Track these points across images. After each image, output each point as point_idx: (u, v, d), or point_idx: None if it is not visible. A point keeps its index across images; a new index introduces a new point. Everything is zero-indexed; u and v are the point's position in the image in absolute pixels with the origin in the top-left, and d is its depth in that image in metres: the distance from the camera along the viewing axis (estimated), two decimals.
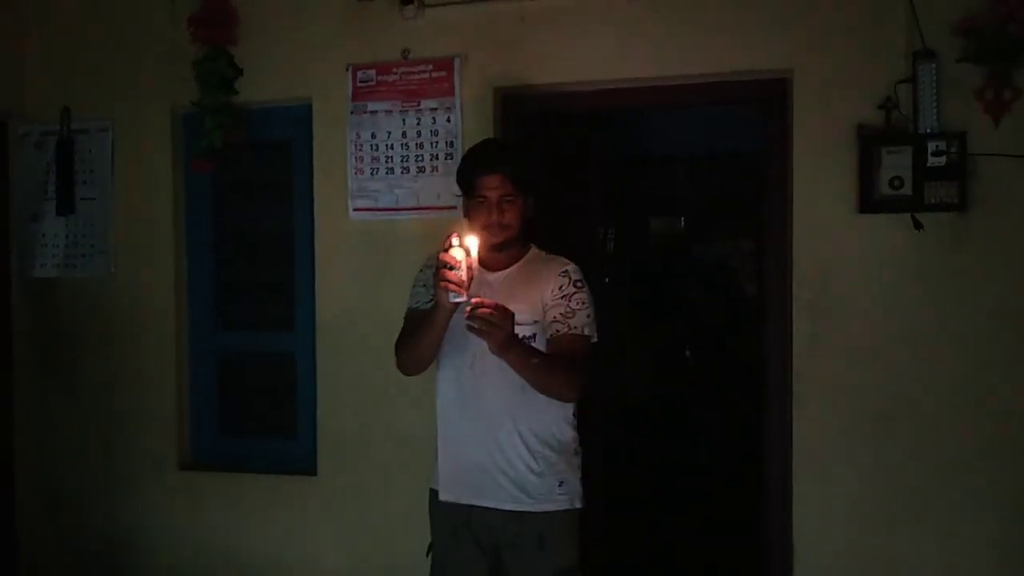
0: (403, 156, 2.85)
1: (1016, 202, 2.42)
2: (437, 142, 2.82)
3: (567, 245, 2.24)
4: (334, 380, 2.93)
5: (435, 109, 2.81)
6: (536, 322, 2.02)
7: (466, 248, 1.85)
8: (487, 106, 2.79)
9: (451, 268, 1.83)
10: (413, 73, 2.83)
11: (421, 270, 2.17)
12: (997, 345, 2.45)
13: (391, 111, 2.85)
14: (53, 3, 3.20)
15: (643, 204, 5.64)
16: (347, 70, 2.89)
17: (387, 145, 2.86)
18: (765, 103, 2.72)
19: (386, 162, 2.87)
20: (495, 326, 1.78)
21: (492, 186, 2.04)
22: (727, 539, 3.78)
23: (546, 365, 1.96)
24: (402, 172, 2.85)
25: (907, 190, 2.43)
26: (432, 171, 2.82)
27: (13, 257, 3.23)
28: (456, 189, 2.19)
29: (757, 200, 3.49)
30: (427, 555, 2.22)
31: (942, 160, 2.40)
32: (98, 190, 3.15)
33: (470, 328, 1.80)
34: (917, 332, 2.49)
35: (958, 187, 2.40)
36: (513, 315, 1.82)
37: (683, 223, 5.80)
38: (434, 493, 2.18)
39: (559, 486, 2.06)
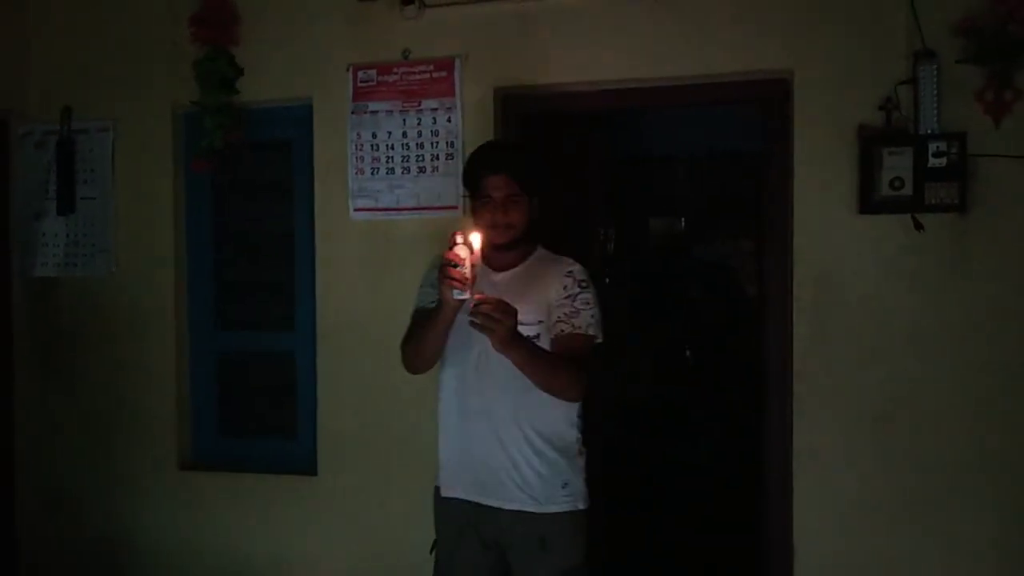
0: (404, 156, 2.85)
1: (1017, 203, 2.42)
2: (438, 142, 2.82)
3: (567, 245, 2.23)
4: (334, 380, 2.94)
5: (436, 109, 2.82)
6: (541, 322, 2.02)
7: (469, 244, 1.85)
8: (487, 106, 2.79)
9: (455, 266, 1.83)
10: (414, 73, 2.83)
11: (429, 270, 2.17)
12: (997, 345, 2.45)
13: (392, 111, 2.86)
14: (54, 3, 3.20)
15: (643, 204, 5.64)
16: (348, 70, 2.89)
17: (388, 145, 2.87)
18: (765, 103, 2.72)
19: (387, 162, 2.87)
20: (497, 322, 1.79)
21: (497, 186, 2.05)
22: (727, 539, 3.78)
23: (549, 363, 1.96)
24: (403, 172, 2.85)
25: (907, 191, 2.43)
26: (433, 171, 2.82)
27: (14, 256, 3.23)
28: (463, 189, 2.20)
29: (757, 200, 3.50)
30: (431, 552, 2.22)
31: (943, 161, 2.41)
32: (99, 190, 3.15)
33: (472, 324, 1.81)
34: (917, 332, 2.50)
35: (958, 188, 2.41)
36: (515, 311, 1.82)
37: (683, 223, 5.80)
38: (438, 490, 2.19)
39: (563, 487, 2.06)
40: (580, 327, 2.01)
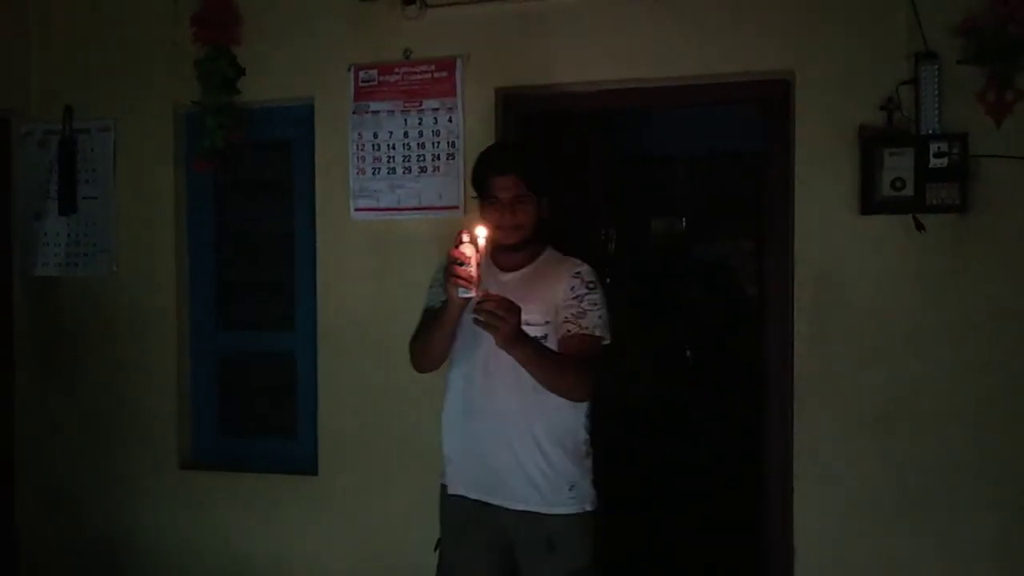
0: (405, 156, 2.85)
1: (1018, 203, 2.43)
2: (439, 142, 2.82)
3: (568, 245, 2.24)
4: (335, 380, 2.94)
5: (437, 109, 2.82)
6: (548, 322, 2.02)
7: (475, 242, 1.85)
8: (489, 106, 2.79)
9: (461, 264, 1.83)
10: (415, 73, 2.83)
11: (438, 270, 2.18)
12: (997, 345, 2.45)
13: (393, 111, 2.86)
14: (55, 2, 3.20)
15: (643, 204, 5.64)
16: (349, 70, 2.89)
17: (389, 145, 2.87)
18: (766, 104, 2.72)
19: (388, 162, 2.87)
20: (500, 319, 1.78)
21: (505, 187, 2.05)
22: (727, 539, 3.78)
23: (555, 363, 1.96)
24: (404, 172, 2.85)
25: (908, 191, 2.43)
26: (434, 171, 2.82)
27: (15, 256, 3.24)
28: (471, 190, 2.19)
29: (757, 200, 3.49)
30: (435, 550, 2.22)
31: (944, 161, 2.41)
32: (100, 189, 3.15)
33: (476, 321, 1.81)
34: (918, 333, 2.50)
35: (959, 188, 2.41)
36: (519, 309, 1.82)
37: (683, 223, 5.80)
38: (444, 487, 2.19)
39: (569, 490, 2.06)
40: (587, 328, 2.01)
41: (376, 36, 2.86)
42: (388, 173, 2.86)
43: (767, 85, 2.65)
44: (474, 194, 2.16)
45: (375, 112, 2.87)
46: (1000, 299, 2.45)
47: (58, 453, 3.23)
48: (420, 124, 2.84)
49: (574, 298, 2.03)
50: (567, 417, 2.06)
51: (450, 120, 2.80)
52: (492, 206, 2.06)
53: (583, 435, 2.11)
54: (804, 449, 2.58)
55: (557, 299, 2.04)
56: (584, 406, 2.09)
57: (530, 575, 2.09)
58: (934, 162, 2.41)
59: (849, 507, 2.55)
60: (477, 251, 1.84)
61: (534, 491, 2.04)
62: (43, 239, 3.21)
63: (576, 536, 2.07)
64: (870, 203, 2.47)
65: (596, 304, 2.04)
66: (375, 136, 2.88)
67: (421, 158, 2.83)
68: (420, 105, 2.83)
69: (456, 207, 2.78)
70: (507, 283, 2.07)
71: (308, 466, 2.98)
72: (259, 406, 3.19)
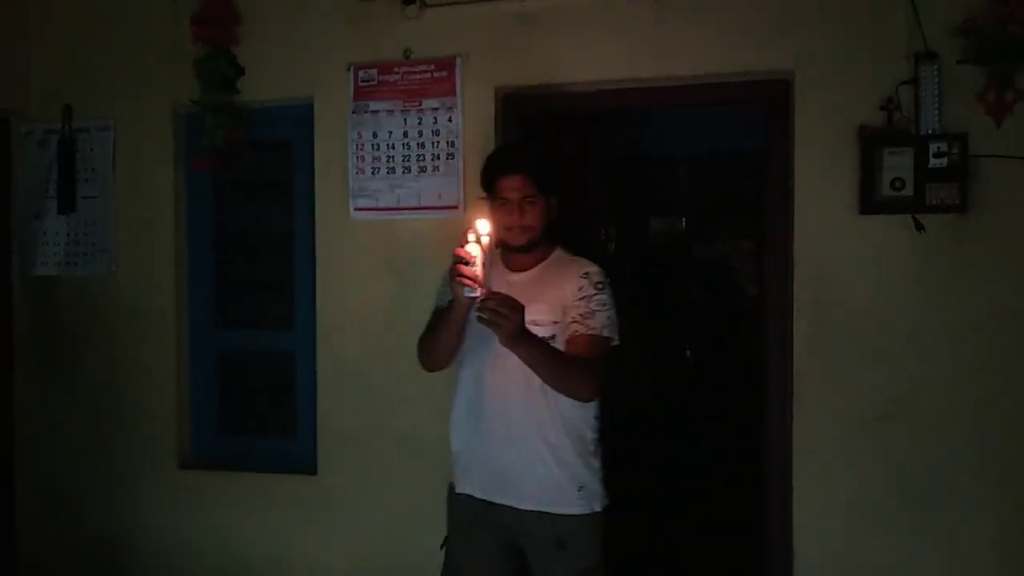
0: (404, 156, 2.85)
1: (1017, 203, 2.42)
2: (438, 142, 2.82)
3: (568, 246, 2.24)
4: (334, 379, 2.93)
5: (436, 109, 2.81)
6: (556, 323, 2.02)
7: (478, 236, 1.84)
8: (488, 106, 2.79)
9: (466, 264, 1.83)
10: (414, 73, 2.83)
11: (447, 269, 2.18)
12: (997, 345, 2.45)
13: (392, 111, 2.85)
14: (55, 2, 3.20)
15: (643, 204, 5.64)
16: (348, 70, 2.89)
17: (388, 145, 2.86)
18: (766, 103, 2.72)
19: (387, 162, 2.87)
20: (504, 317, 1.78)
21: (513, 187, 2.05)
22: (727, 539, 3.78)
23: (560, 362, 1.96)
24: (403, 172, 2.85)
25: (908, 191, 2.43)
26: (433, 171, 2.82)
27: (14, 255, 3.24)
28: (480, 191, 2.19)
29: (757, 200, 3.49)
30: (441, 548, 2.22)
31: (943, 161, 2.40)
32: (99, 188, 3.15)
33: (479, 319, 1.81)
34: (917, 332, 2.50)
35: (959, 188, 2.41)
36: (522, 307, 1.82)
37: (683, 223, 5.80)
38: (452, 485, 2.19)
39: (579, 491, 2.06)
40: (595, 328, 2.01)
41: (376, 36, 2.86)
42: (388, 173, 2.86)
43: (767, 85, 2.64)
44: (483, 195, 2.16)
45: (375, 112, 2.87)
46: (1000, 299, 2.45)
47: (58, 453, 3.23)
48: (420, 124, 2.83)
49: (582, 298, 2.03)
50: (576, 417, 2.06)
51: (450, 120, 2.80)
52: (501, 207, 2.06)
53: (592, 435, 2.10)
54: (804, 449, 2.58)
55: (565, 299, 2.04)
56: (593, 406, 2.08)
57: (541, 575, 2.09)
58: (934, 162, 2.41)
59: (849, 507, 2.55)
60: (482, 250, 1.84)
61: (544, 491, 2.04)
62: (42, 238, 3.21)
63: (586, 536, 2.07)
64: (870, 203, 2.47)
65: (604, 305, 2.04)
66: (375, 136, 2.88)
67: (421, 158, 2.83)
68: (420, 105, 2.83)
69: (455, 207, 2.78)
70: (516, 284, 2.07)
71: (307, 465, 2.98)
72: (258, 405, 3.19)
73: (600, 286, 2.06)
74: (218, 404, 3.18)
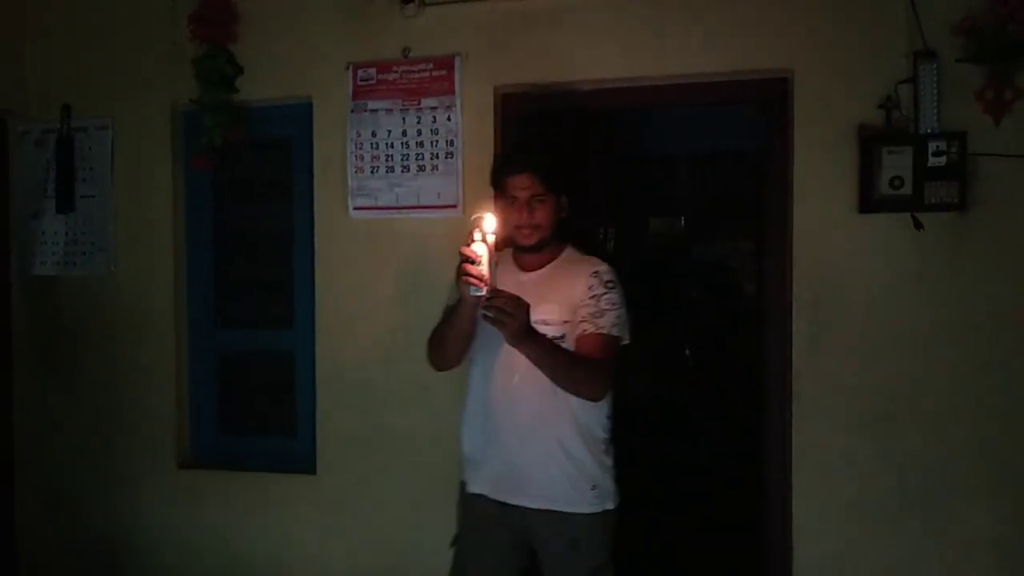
0: (403, 155, 2.85)
1: (1017, 202, 2.42)
2: (437, 141, 2.81)
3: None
4: (334, 379, 2.93)
5: (435, 108, 2.81)
6: (566, 322, 2.02)
7: (484, 235, 1.84)
8: (487, 105, 2.78)
9: (472, 263, 1.83)
10: (413, 72, 2.83)
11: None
12: (997, 345, 2.45)
13: (391, 110, 2.85)
14: (53, 2, 3.19)
15: (643, 204, 5.63)
16: (347, 68, 2.88)
17: (387, 144, 2.86)
18: (765, 103, 2.71)
19: (386, 161, 2.86)
20: (509, 315, 1.78)
21: (522, 186, 2.05)
22: (727, 539, 3.78)
23: (568, 361, 1.95)
24: (402, 171, 2.85)
25: (907, 190, 2.43)
26: (432, 170, 2.82)
27: (13, 255, 3.23)
28: (491, 190, 2.19)
29: (757, 200, 3.48)
30: (451, 546, 2.21)
31: (942, 160, 2.40)
32: (98, 188, 3.15)
33: (485, 317, 1.81)
34: (917, 332, 2.49)
35: (958, 187, 2.40)
36: (528, 306, 1.82)
37: (683, 223, 5.79)
38: (463, 485, 2.18)
39: (591, 489, 2.06)
40: (604, 327, 2.00)
41: (374, 34, 2.86)
42: (387, 172, 2.86)
43: (766, 84, 2.64)
44: (491, 193, 2.16)
45: (373, 111, 2.87)
46: (1000, 298, 2.44)
47: (58, 453, 3.22)
48: (419, 123, 2.83)
49: (592, 297, 2.03)
50: (588, 416, 2.06)
51: (449, 119, 2.80)
52: (510, 205, 2.06)
53: (603, 435, 2.10)
54: (803, 449, 2.58)
55: (575, 299, 2.04)
56: (605, 404, 2.08)
57: (552, 573, 2.09)
58: (933, 161, 2.41)
59: (849, 507, 2.55)
60: (488, 249, 1.84)
61: (556, 490, 2.04)
62: (41, 238, 3.21)
63: (598, 535, 2.08)
64: (869, 202, 2.47)
65: (614, 304, 2.03)
66: (373, 135, 2.87)
67: (420, 157, 2.83)
68: (419, 104, 2.83)
69: (454, 206, 2.78)
70: (526, 283, 2.07)
71: (307, 465, 2.97)
72: (258, 405, 3.18)
73: (610, 285, 2.06)
74: (218, 404, 3.18)
